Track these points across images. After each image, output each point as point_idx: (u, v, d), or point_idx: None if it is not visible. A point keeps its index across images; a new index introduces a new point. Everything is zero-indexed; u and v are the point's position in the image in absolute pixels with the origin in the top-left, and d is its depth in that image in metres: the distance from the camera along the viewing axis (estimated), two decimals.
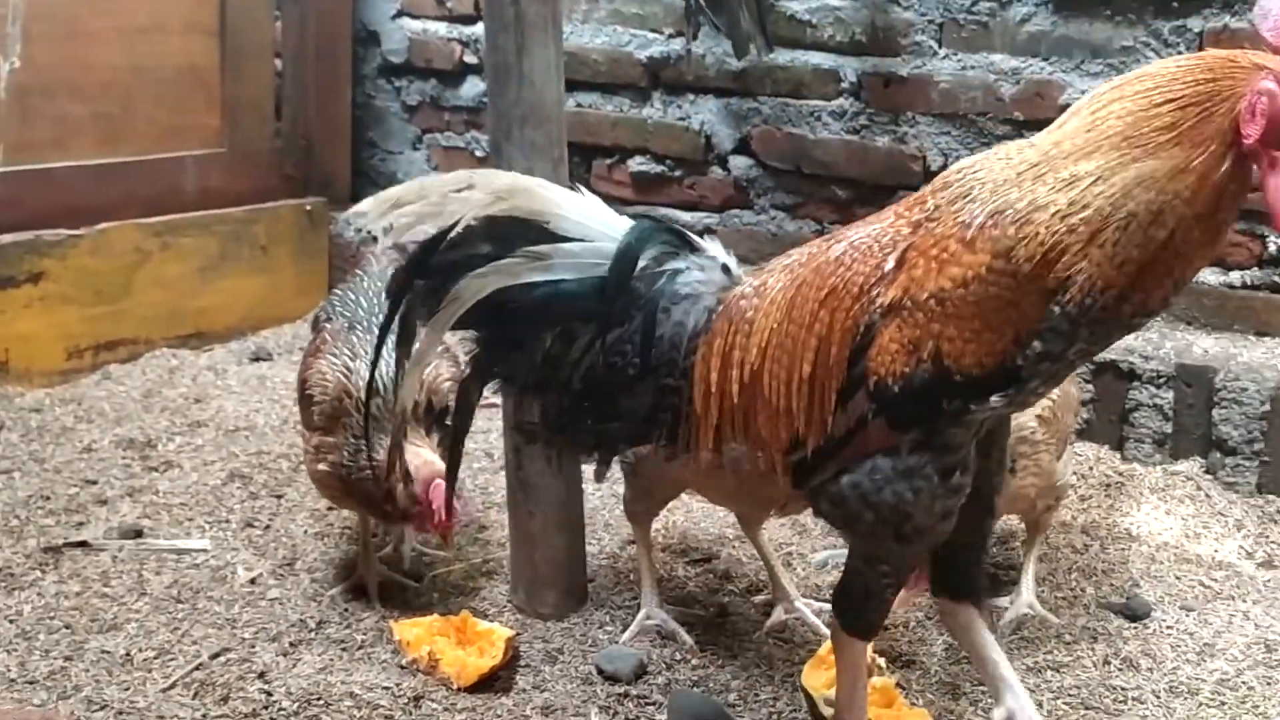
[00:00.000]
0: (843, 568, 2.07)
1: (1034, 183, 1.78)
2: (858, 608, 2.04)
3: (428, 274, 2.04)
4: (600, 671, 2.47)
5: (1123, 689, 2.42)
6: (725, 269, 2.10)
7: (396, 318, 2.06)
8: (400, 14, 4.52)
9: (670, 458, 2.16)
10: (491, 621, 2.60)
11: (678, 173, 4.09)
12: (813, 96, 3.80)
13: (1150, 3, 3.27)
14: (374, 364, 2.33)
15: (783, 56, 3.81)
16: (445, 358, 2.74)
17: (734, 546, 2.95)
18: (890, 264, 1.86)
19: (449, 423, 2.64)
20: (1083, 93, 3.30)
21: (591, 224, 2.05)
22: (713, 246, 2.13)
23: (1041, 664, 2.51)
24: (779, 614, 2.66)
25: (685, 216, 4.07)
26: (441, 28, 4.46)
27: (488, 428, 3.34)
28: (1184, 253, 1.74)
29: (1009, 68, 3.48)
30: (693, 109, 4.02)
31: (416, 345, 2.10)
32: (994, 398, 1.83)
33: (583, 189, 2.13)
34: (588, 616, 2.67)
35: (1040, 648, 2.55)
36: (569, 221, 2.04)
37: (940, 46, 3.58)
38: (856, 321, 1.88)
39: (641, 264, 2.05)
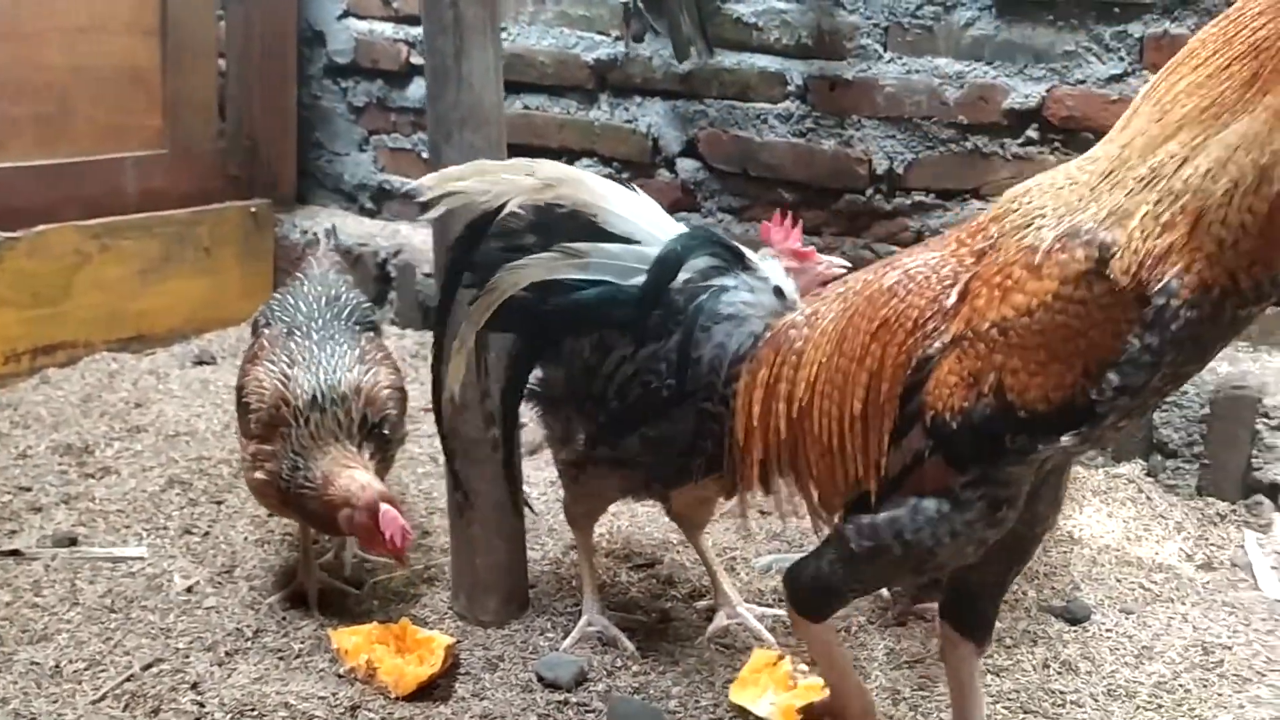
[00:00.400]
0: (810, 554, 1.98)
1: (1111, 193, 1.65)
2: (818, 600, 1.96)
3: (471, 259, 2.04)
4: (540, 679, 2.45)
5: (1061, 692, 2.43)
6: (779, 291, 2.02)
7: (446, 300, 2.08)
8: (346, 14, 4.48)
9: (727, 493, 2.13)
10: (432, 629, 2.58)
11: (625, 175, 4.07)
12: (759, 99, 3.79)
13: (1092, 8, 3.29)
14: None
15: (729, 59, 3.80)
16: (384, 364, 2.71)
17: (677, 552, 2.94)
18: (952, 297, 1.77)
19: (384, 434, 2.61)
20: (1026, 97, 3.35)
21: (640, 225, 2.00)
22: (768, 266, 2.05)
23: (981, 668, 2.51)
24: (721, 619, 2.65)
25: None
26: (388, 28, 4.42)
27: (432, 431, 3.31)
28: None
29: (953, 71, 3.49)
30: (640, 111, 4.00)
31: (458, 333, 2.08)
32: (1065, 436, 1.71)
33: (637, 188, 2.08)
34: (529, 623, 2.65)
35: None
36: (617, 218, 1.99)
37: (885, 50, 3.58)
38: (910, 355, 1.79)
39: (684, 276, 1.98)
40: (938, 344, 1.77)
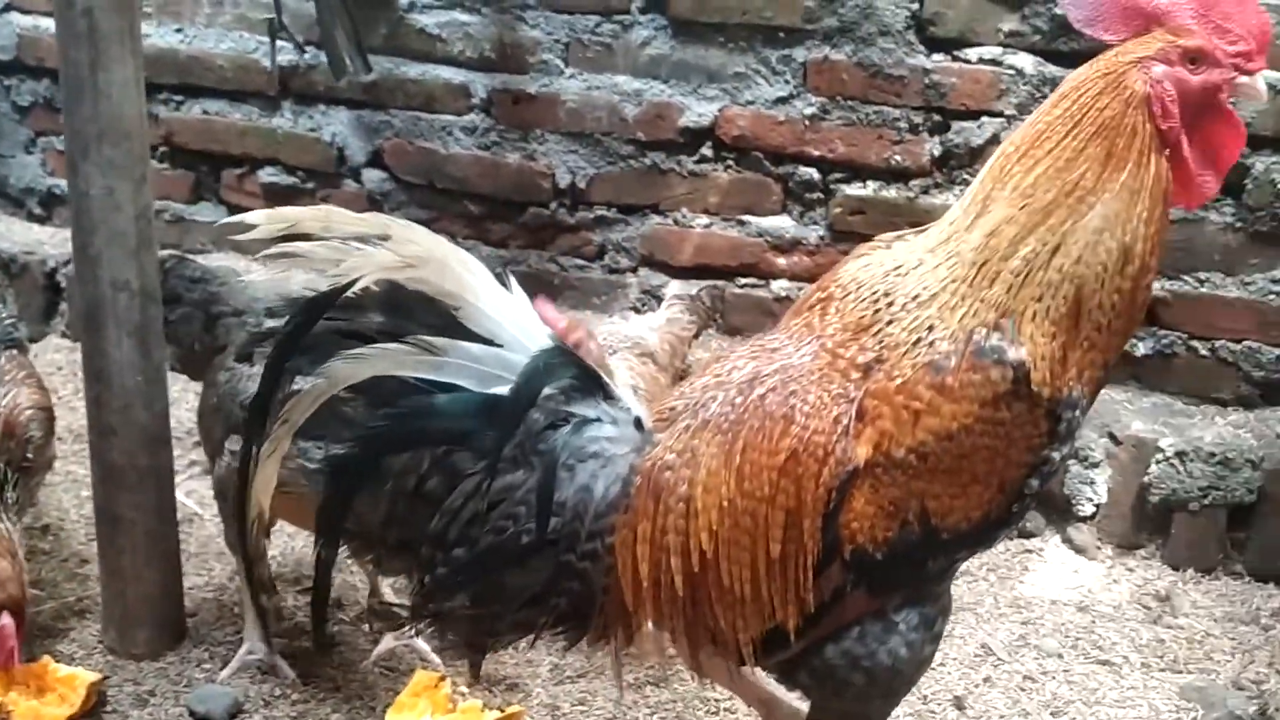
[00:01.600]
0: None
1: (991, 288, 1.65)
2: None
3: (301, 344, 1.68)
4: (192, 713, 2.37)
5: (716, 700, 2.50)
6: (638, 423, 1.78)
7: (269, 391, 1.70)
8: (8, 8, 4.21)
9: (569, 647, 1.86)
10: (78, 665, 2.46)
11: (310, 185, 3.98)
12: (444, 111, 3.77)
13: (759, 32, 3.40)
14: None
15: (413, 70, 3.77)
16: (26, 384, 2.57)
17: (348, 573, 2.89)
18: (849, 417, 1.68)
19: (28, 461, 2.47)
20: (700, 116, 3.44)
21: (505, 326, 1.71)
22: (626, 395, 1.82)
23: (641, 680, 2.57)
24: (388, 642, 2.62)
25: None
26: (54, 25, 4.18)
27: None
28: (1147, 279, 1.68)
29: (632, 89, 3.55)
30: (324, 120, 3.92)
31: (272, 434, 1.71)
32: (979, 547, 1.74)
33: (513, 280, 1.78)
34: (185, 654, 2.56)
35: (641, 663, 2.61)
36: (481, 315, 1.70)
37: (567, 66, 3.61)
38: (828, 488, 1.68)
39: (546, 394, 1.72)
40: (848, 470, 1.67)
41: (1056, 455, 1.69)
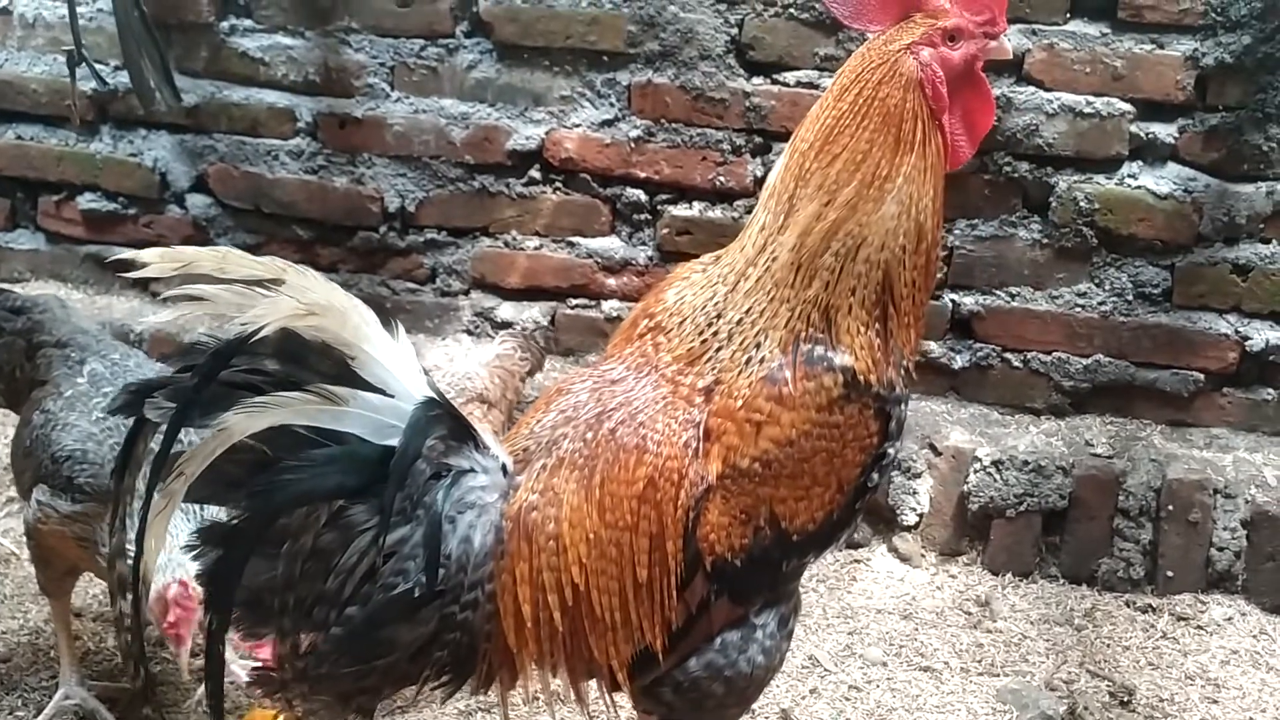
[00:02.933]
0: None
1: (809, 288, 1.74)
2: None
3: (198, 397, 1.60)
4: None
5: None
6: (505, 469, 1.80)
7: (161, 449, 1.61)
8: None
9: (450, 695, 1.84)
10: None
11: (132, 211, 3.88)
12: (269, 135, 3.72)
13: (584, 56, 3.43)
14: None
15: (237, 94, 3.71)
16: None
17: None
18: (698, 440, 1.74)
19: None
20: (528, 138, 3.46)
21: (396, 377, 1.69)
22: (494, 443, 1.82)
23: (474, 706, 2.57)
24: None
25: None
26: None
27: None
28: (937, 248, 1.80)
29: (458, 112, 3.55)
30: (145, 144, 3.83)
31: (164, 490, 1.63)
32: (829, 546, 1.82)
33: (400, 328, 1.74)
34: None
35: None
36: (376, 365, 1.68)
37: (393, 89, 3.59)
38: (686, 509, 1.74)
39: (428, 451, 1.71)
40: (702, 490, 1.74)
41: (891, 450, 1.80)
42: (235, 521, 1.68)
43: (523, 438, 1.86)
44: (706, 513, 1.74)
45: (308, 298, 1.65)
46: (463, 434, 1.77)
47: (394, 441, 1.69)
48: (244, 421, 1.62)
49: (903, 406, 1.81)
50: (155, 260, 1.65)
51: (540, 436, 1.84)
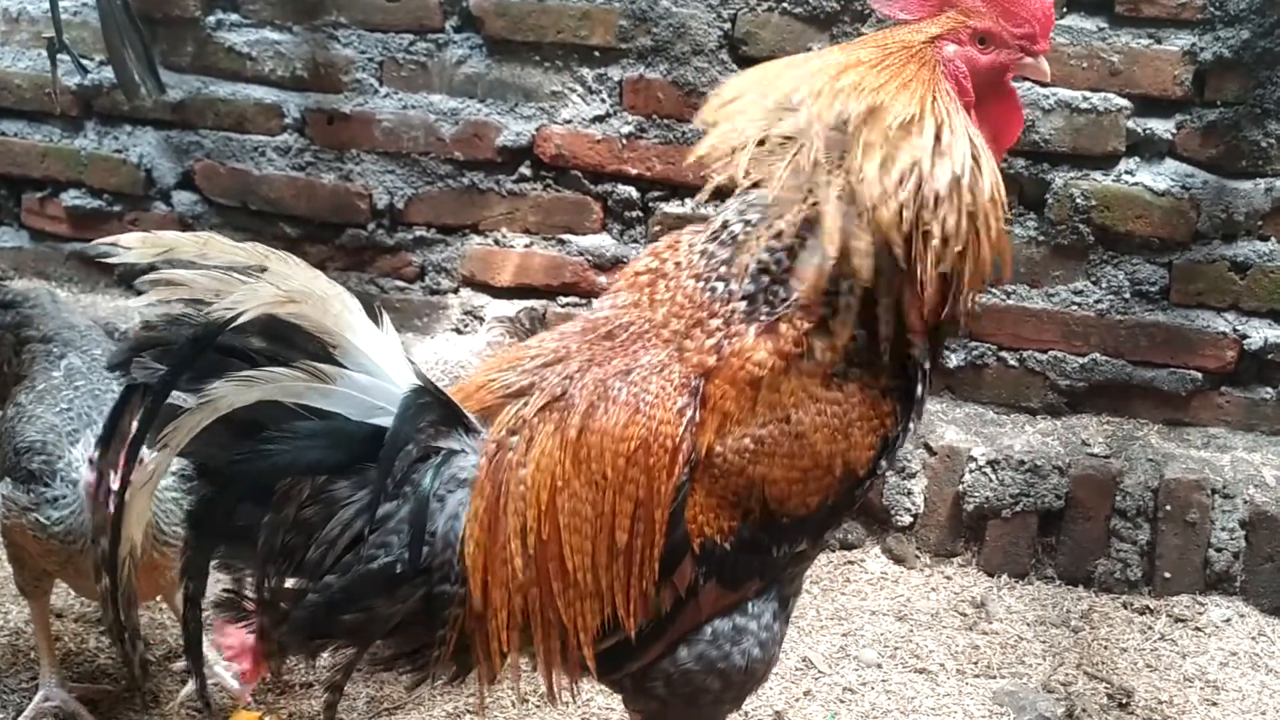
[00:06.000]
0: None
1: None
2: None
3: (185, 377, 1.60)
4: None
5: None
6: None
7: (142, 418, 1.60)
8: None
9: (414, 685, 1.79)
10: None
11: (117, 207, 3.84)
12: (256, 131, 3.67)
13: (575, 51, 3.39)
14: None
15: (223, 89, 3.67)
16: None
17: (157, 610, 2.78)
18: (693, 409, 1.65)
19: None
20: (518, 135, 3.42)
21: (379, 364, 1.69)
22: (483, 426, 1.78)
23: (462, 708, 2.53)
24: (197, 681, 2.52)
25: None
26: None
27: None
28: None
29: (448, 108, 3.51)
30: (131, 141, 3.79)
31: (151, 461, 1.64)
32: (828, 532, 1.74)
33: (385, 316, 1.75)
34: None
35: (464, 691, 2.57)
36: (358, 354, 1.68)
37: (381, 85, 3.55)
38: (678, 485, 1.65)
39: (419, 433, 1.70)
40: (694, 458, 1.66)
41: (911, 425, 1.71)
42: (221, 488, 1.69)
43: (511, 373, 1.80)
44: (694, 492, 1.66)
45: (289, 284, 1.63)
46: (452, 418, 1.75)
47: (380, 421, 1.68)
48: (232, 394, 1.61)
49: (922, 387, 1.71)
50: (136, 245, 1.63)
51: (525, 376, 1.78)
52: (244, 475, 1.67)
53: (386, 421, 1.68)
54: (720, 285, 1.73)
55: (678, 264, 1.79)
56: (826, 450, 1.66)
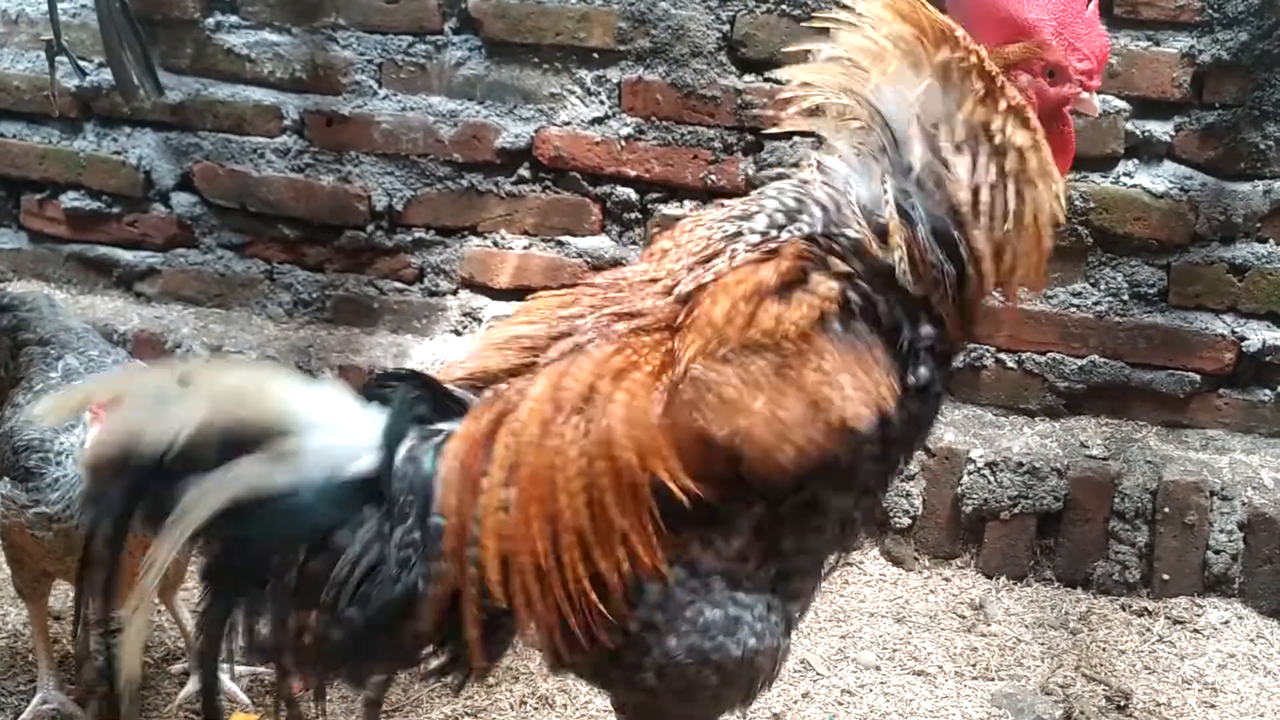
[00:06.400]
0: None
1: None
2: None
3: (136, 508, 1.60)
4: None
5: None
6: None
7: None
8: None
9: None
10: None
11: (116, 209, 3.84)
12: (255, 133, 3.67)
13: (573, 53, 3.39)
14: None
15: (222, 91, 3.67)
16: None
17: (156, 612, 2.78)
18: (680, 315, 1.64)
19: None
20: (517, 136, 3.42)
21: (334, 416, 1.65)
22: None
23: (460, 711, 2.53)
24: (195, 683, 2.52)
25: (128, 255, 3.85)
26: None
27: None
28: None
29: (447, 110, 3.51)
30: (130, 142, 3.79)
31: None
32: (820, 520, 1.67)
33: (326, 373, 1.75)
34: None
35: (461, 694, 2.57)
36: (308, 417, 1.63)
37: (380, 87, 3.55)
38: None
39: (406, 457, 1.66)
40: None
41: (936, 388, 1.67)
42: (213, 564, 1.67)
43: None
44: (665, 414, 1.58)
45: (216, 390, 1.60)
46: (445, 406, 1.71)
47: (361, 465, 1.63)
48: (197, 510, 1.58)
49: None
50: (50, 410, 1.79)
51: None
52: (232, 571, 1.65)
53: (363, 465, 1.64)
54: (730, 225, 1.72)
55: (690, 235, 1.76)
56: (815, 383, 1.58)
